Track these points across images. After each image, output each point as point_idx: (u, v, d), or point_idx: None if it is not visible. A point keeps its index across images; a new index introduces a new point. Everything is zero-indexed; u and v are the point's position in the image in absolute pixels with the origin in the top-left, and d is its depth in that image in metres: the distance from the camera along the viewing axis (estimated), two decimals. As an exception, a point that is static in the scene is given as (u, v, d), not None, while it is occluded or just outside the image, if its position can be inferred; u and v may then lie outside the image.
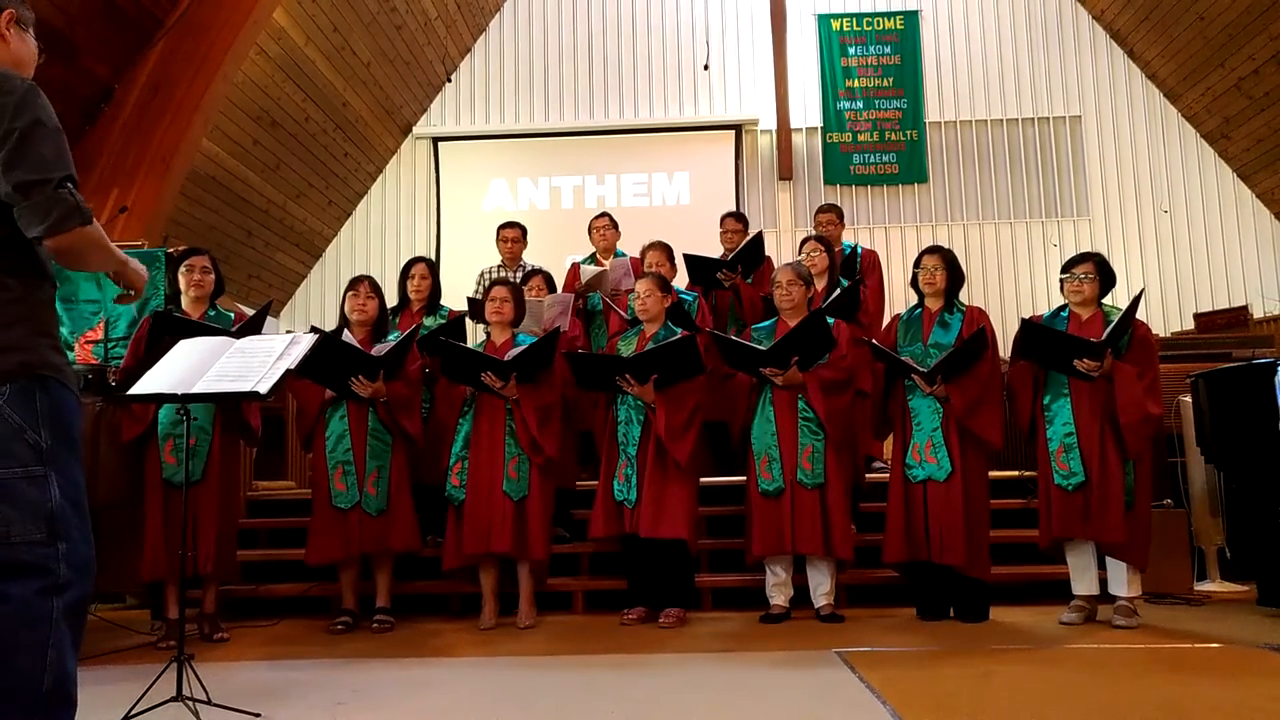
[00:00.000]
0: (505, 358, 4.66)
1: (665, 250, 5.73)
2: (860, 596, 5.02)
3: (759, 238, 5.99)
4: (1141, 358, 4.40)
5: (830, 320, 4.69)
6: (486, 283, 6.35)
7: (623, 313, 5.55)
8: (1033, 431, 4.60)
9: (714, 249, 6.52)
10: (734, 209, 8.49)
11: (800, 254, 5.76)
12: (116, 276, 2.34)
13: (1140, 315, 4.53)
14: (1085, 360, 4.31)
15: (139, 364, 4.19)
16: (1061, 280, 4.65)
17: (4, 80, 2.03)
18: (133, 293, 2.43)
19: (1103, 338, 4.31)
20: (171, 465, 4.38)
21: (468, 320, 5.81)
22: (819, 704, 3.12)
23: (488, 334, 4.97)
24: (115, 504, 4.43)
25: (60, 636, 1.96)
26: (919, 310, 4.80)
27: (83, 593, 2.03)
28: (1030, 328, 4.48)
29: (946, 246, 4.94)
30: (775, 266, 5.32)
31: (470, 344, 5.05)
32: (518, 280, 6.18)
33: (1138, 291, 4.67)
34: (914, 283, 4.83)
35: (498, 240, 6.50)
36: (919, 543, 4.51)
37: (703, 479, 4.97)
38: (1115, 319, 4.40)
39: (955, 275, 4.76)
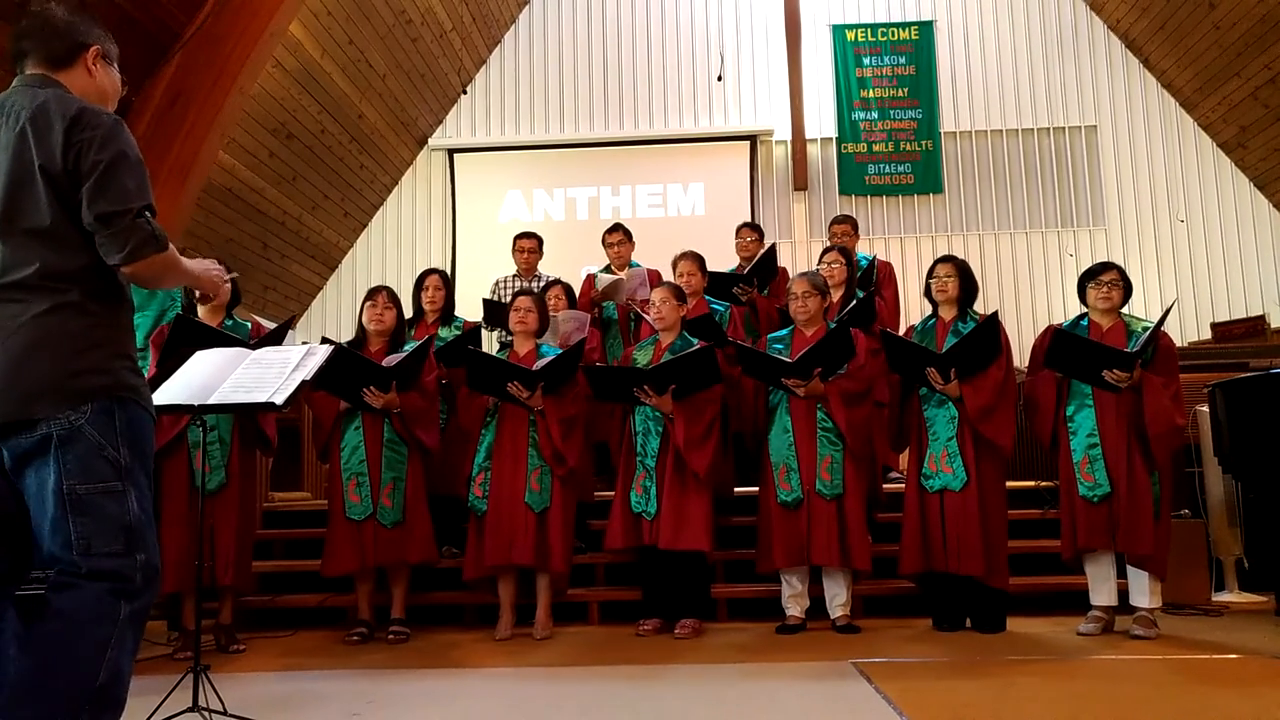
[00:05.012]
0: (533, 368, 4.68)
1: (697, 260, 5.57)
2: (877, 607, 5.00)
3: (772, 250, 5.99)
4: (1166, 368, 4.38)
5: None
6: (504, 291, 6.35)
7: (646, 316, 5.51)
8: (1054, 442, 4.57)
9: (730, 259, 6.53)
10: (749, 220, 8.50)
11: (820, 264, 5.76)
12: (192, 289, 2.47)
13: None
14: (1116, 371, 4.27)
15: (160, 373, 4.21)
16: (1086, 287, 4.59)
17: (93, 115, 2.15)
18: (213, 298, 2.58)
19: (1134, 349, 4.28)
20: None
21: (482, 328, 5.81)
22: (836, 716, 3.12)
23: (504, 343, 4.98)
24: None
25: (123, 638, 2.07)
26: (933, 320, 4.79)
27: (149, 600, 2.15)
28: (1063, 337, 4.42)
29: (960, 256, 4.92)
30: (790, 277, 5.32)
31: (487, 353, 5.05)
32: (537, 290, 6.19)
33: (1170, 303, 4.62)
34: (927, 292, 4.81)
35: (514, 250, 6.51)
36: (936, 553, 4.49)
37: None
38: (1139, 329, 4.37)
39: (969, 284, 4.74)
